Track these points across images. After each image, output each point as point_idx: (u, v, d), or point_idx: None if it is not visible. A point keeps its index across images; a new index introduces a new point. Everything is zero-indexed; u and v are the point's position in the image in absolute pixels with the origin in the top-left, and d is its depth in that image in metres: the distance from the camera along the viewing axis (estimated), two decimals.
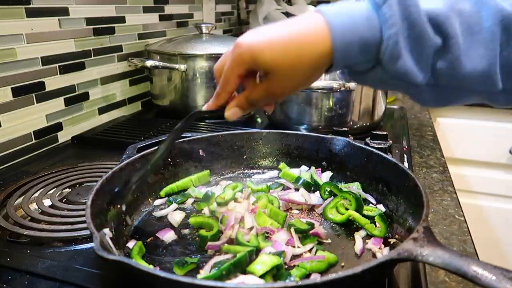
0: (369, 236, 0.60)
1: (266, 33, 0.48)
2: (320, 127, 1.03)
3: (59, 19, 0.98)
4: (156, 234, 0.60)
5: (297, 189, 0.72)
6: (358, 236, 0.59)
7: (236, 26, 2.01)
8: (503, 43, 0.45)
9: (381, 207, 0.65)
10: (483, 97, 0.51)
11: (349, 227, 0.63)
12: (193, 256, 0.55)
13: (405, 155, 0.90)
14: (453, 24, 0.45)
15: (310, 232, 0.59)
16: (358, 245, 0.57)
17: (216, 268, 0.49)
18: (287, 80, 0.49)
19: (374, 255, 0.56)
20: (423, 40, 0.45)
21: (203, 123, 1.12)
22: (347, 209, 0.65)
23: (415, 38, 0.45)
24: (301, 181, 0.72)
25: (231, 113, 0.55)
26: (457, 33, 0.45)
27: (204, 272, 0.51)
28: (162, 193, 0.72)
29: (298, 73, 0.49)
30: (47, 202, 0.70)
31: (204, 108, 0.58)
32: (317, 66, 0.48)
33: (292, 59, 0.47)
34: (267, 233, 0.59)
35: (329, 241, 0.59)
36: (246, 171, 0.81)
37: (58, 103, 1.01)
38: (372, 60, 0.48)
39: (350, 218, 0.63)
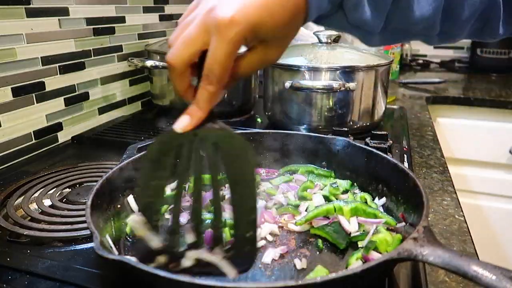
0: None
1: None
2: (320, 127, 1.03)
3: (59, 19, 0.98)
4: None
5: None
6: None
7: None
8: None
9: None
10: (422, 39, 0.57)
11: None
12: None
13: (405, 155, 0.90)
14: None
15: None
16: None
17: None
18: (282, 42, 0.47)
19: None
20: None
21: None
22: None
23: None
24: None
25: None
26: None
27: None
28: None
29: (291, 33, 0.47)
30: (47, 202, 0.70)
31: (187, 124, 0.45)
32: (300, 20, 0.47)
33: (286, 21, 0.44)
34: None
35: None
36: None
37: (58, 103, 1.01)
38: (336, 6, 0.49)
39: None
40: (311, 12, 0.46)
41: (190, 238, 0.47)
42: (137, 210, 0.54)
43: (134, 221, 0.47)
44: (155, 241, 0.47)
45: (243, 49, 0.45)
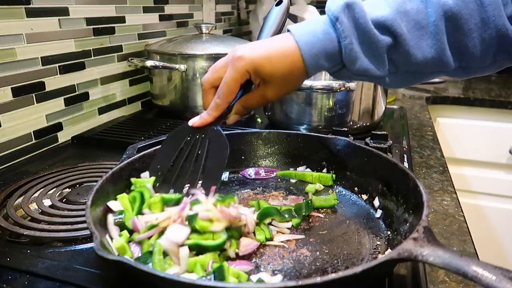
0: None
1: (261, 48, 0.58)
2: (320, 127, 1.03)
3: (59, 19, 0.98)
4: None
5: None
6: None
7: (236, 26, 2.01)
8: (449, 31, 0.55)
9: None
10: (444, 74, 0.60)
11: None
12: None
13: (405, 155, 0.90)
14: (400, 24, 0.54)
15: None
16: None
17: None
18: (280, 87, 0.60)
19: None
20: (374, 43, 0.55)
21: None
22: None
23: (367, 42, 0.55)
24: None
25: (232, 119, 0.64)
26: (404, 31, 0.54)
27: None
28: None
29: (288, 81, 0.59)
30: (47, 202, 0.70)
31: (198, 122, 0.63)
32: (301, 75, 0.59)
33: (284, 71, 0.57)
34: None
35: None
36: (247, 170, 0.81)
37: (58, 103, 1.01)
38: (338, 64, 0.58)
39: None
40: (309, 71, 0.58)
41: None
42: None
43: (145, 176, 0.64)
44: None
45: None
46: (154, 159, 0.66)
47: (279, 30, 0.68)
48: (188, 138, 0.64)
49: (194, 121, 0.64)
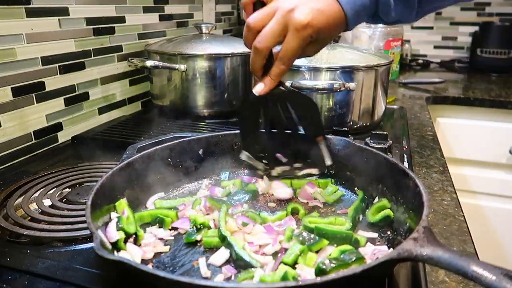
0: None
1: (320, 13, 0.59)
2: None
3: (59, 19, 0.98)
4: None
5: None
6: None
7: (236, 26, 2.01)
8: None
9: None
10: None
11: None
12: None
13: (405, 155, 0.90)
14: None
15: None
16: None
17: None
18: (323, 45, 0.64)
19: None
20: None
21: (203, 123, 1.12)
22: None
23: None
24: None
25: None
26: None
27: None
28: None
29: (330, 40, 0.65)
30: (47, 202, 0.70)
31: (264, 89, 0.64)
32: (339, 32, 0.65)
33: (335, 31, 0.62)
34: None
35: None
36: (246, 171, 0.81)
37: (58, 103, 1.01)
38: (373, 15, 0.65)
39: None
40: (350, 26, 0.63)
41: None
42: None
43: (246, 156, 0.73)
44: (260, 166, 0.75)
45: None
46: (241, 139, 0.74)
47: None
48: (263, 108, 0.68)
49: (259, 90, 0.64)
